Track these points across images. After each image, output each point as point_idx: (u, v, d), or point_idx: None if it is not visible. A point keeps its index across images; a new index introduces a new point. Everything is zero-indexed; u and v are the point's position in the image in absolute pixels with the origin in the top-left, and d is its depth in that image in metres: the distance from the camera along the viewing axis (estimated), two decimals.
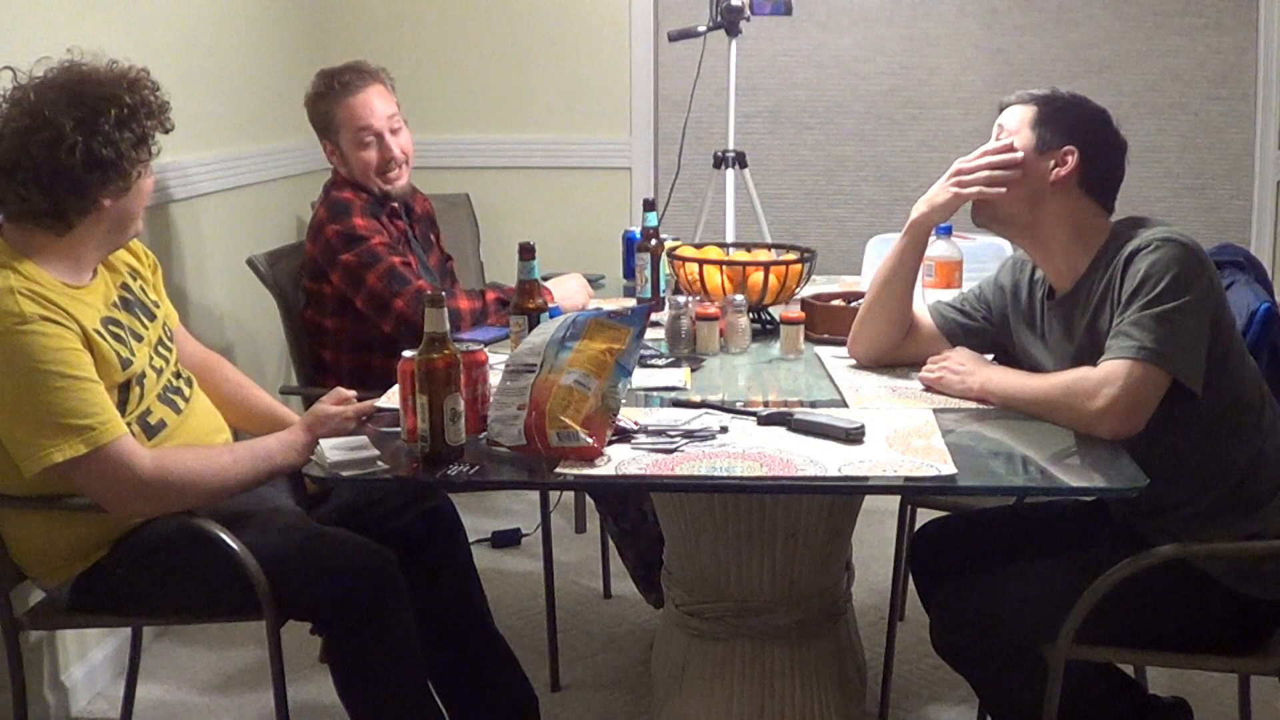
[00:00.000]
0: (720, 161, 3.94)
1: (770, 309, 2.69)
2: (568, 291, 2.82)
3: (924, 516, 2.47)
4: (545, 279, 2.59)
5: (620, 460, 1.83)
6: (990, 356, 2.24)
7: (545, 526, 2.90)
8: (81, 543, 2.08)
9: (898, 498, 2.69)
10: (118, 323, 2.07)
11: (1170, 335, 1.88)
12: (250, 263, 2.90)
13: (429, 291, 1.92)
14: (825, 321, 2.56)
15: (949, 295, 2.42)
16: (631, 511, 2.90)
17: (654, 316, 2.56)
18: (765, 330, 2.64)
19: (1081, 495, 2.04)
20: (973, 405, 2.09)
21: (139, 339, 2.11)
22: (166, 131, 2.10)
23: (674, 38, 3.87)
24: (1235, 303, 2.12)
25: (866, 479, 1.78)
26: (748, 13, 3.78)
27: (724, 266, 2.65)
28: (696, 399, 2.12)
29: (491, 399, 1.91)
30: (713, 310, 2.50)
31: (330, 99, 2.88)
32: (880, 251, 2.98)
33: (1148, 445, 1.89)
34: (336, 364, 2.88)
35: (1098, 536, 2.09)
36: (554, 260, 3.30)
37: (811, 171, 4.56)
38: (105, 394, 1.94)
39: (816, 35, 4.46)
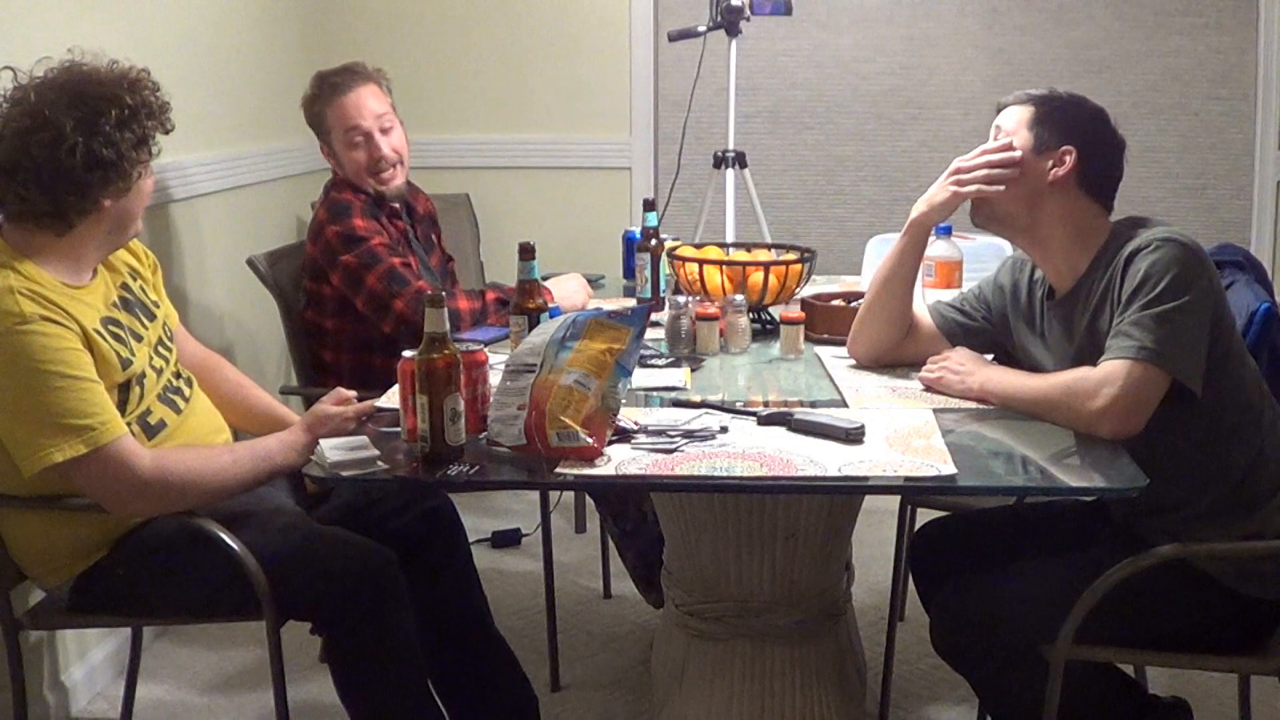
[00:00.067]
0: (720, 161, 3.94)
1: (770, 309, 2.69)
2: (567, 291, 2.82)
3: (924, 516, 2.48)
4: (545, 279, 2.59)
5: (620, 460, 1.83)
6: (990, 356, 2.24)
7: (545, 526, 2.90)
8: (81, 543, 2.08)
9: (898, 498, 2.69)
10: (118, 323, 2.07)
11: (1170, 335, 1.88)
12: (250, 263, 2.90)
13: (429, 292, 1.92)
14: (825, 321, 2.56)
15: (949, 295, 2.42)
16: (631, 511, 2.90)
17: (654, 316, 2.56)
18: (765, 330, 2.64)
19: (1081, 495, 2.04)
20: (973, 405, 2.09)
21: (139, 339, 2.11)
22: (167, 132, 2.10)
23: (674, 38, 3.87)
24: (1235, 303, 2.12)
25: (866, 479, 1.78)
26: (748, 13, 3.78)
27: (724, 266, 2.65)
28: (696, 399, 2.12)
29: (491, 399, 1.91)
30: (713, 310, 2.50)
31: (322, 100, 2.89)
32: (880, 251, 2.98)
33: (1148, 445, 1.89)
34: (337, 364, 2.88)
35: (1098, 536, 2.09)
36: (554, 260, 3.30)
37: (811, 171, 4.57)
38: (105, 394, 1.94)
39: (816, 35, 4.46)
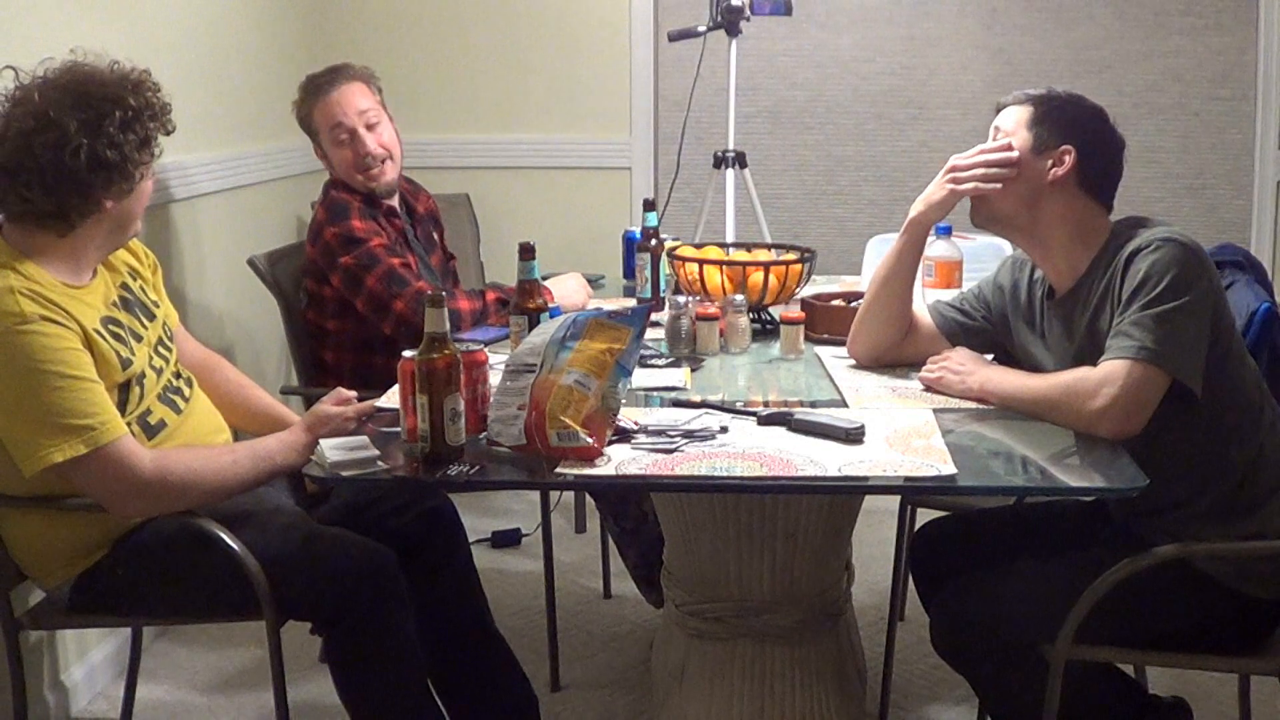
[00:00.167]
0: (720, 161, 3.94)
1: (770, 309, 2.69)
2: (567, 291, 2.82)
3: (924, 516, 2.48)
4: (545, 279, 2.59)
5: (620, 460, 1.83)
6: (990, 356, 2.24)
7: (545, 526, 2.90)
8: (81, 543, 2.08)
9: (898, 498, 2.69)
10: (117, 322, 2.07)
11: (1170, 335, 1.88)
12: (251, 263, 2.90)
13: (429, 292, 1.92)
14: (825, 321, 2.56)
15: (949, 295, 2.42)
16: (632, 511, 2.90)
17: (654, 316, 2.56)
18: (765, 330, 2.64)
19: (1081, 495, 2.04)
20: (973, 405, 2.09)
21: (139, 339, 2.11)
22: (168, 133, 2.10)
23: (674, 38, 3.87)
24: (1235, 303, 2.12)
25: (866, 479, 1.78)
26: (748, 13, 3.78)
27: (724, 266, 2.65)
28: (696, 399, 2.12)
29: (491, 399, 1.91)
30: (713, 310, 2.50)
31: (309, 102, 2.90)
32: (880, 251, 2.98)
33: (1148, 445, 1.89)
34: (338, 365, 2.88)
35: (1098, 536, 2.09)
36: (554, 260, 3.30)
37: (811, 171, 4.57)
38: (105, 394, 1.94)
39: (816, 35, 4.46)
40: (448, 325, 1.86)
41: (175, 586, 2.08)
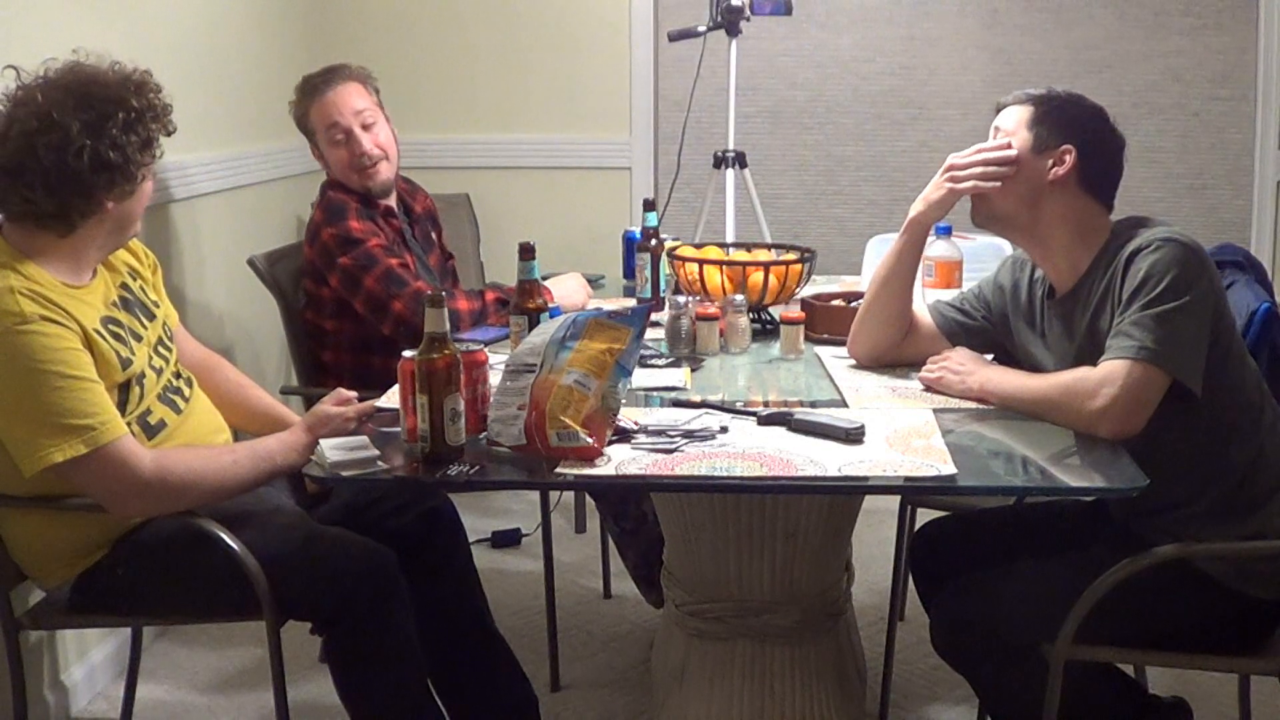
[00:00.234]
0: (720, 161, 3.94)
1: (770, 309, 2.69)
2: (567, 291, 2.82)
3: (924, 516, 2.48)
4: (545, 279, 2.59)
5: (620, 460, 1.83)
6: (990, 356, 2.24)
7: (545, 526, 2.90)
8: (81, 543, 2.08)
9: (898, 498, 2.69)
10: (117, 322, 2.07)
11: (1170, 335, 1.88)
12: (250, 263, 2.90)
13: (429, 292, 1.92)
14: (825, 321, 2.56)
15: (949, 295, 2.42)
16: (631, 511, 2.90)
17: (654, 316, 2.56)
18: (765, 330, 2.64)
19: (1081, 495, 2.04)
20: (973, 405, 2.09)
21: (138, 339, 2.11)
22: (170, 134, 2.10)
23: (674, 38, 3.87)
24: (1235, 303, 2.12)
25: (866, 479, 1.78)
26: (748, 13, 3.78)
27: (724, 266, 2.65)
28: (696, 399, 2.12)
29: (491, 399, 1.91)
30: (713, 310, 2.50)
31: (305, 102, 2.90)
32: (880, 251, 2.98)
33: (1148, 445, 1.89)
34: (337, 365, 2.88)
35: (1098, 536, 2.09)
36: (554, 260, 3.30)
37: (811, 171, 4.56)
38: (105, 394, 1.94)
39: (816, 35, 4.46)
40: (448, 325, 1.86)
41: (175, 586, 2.08)
